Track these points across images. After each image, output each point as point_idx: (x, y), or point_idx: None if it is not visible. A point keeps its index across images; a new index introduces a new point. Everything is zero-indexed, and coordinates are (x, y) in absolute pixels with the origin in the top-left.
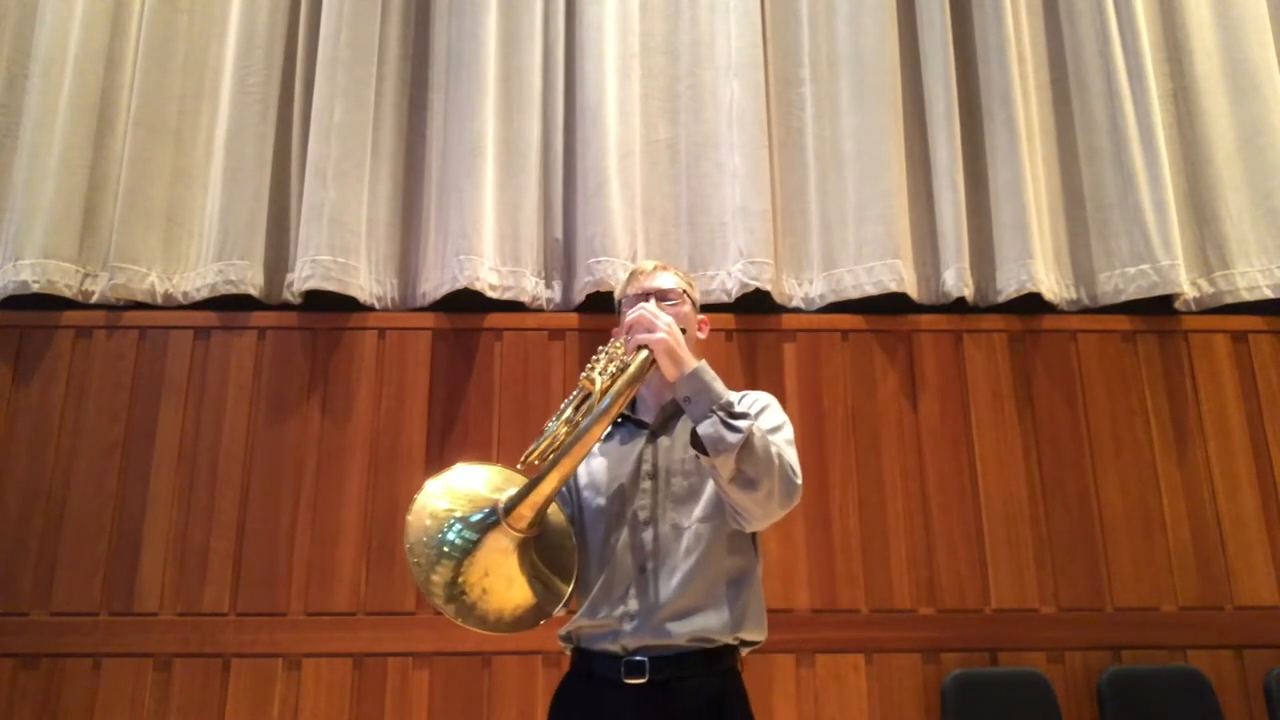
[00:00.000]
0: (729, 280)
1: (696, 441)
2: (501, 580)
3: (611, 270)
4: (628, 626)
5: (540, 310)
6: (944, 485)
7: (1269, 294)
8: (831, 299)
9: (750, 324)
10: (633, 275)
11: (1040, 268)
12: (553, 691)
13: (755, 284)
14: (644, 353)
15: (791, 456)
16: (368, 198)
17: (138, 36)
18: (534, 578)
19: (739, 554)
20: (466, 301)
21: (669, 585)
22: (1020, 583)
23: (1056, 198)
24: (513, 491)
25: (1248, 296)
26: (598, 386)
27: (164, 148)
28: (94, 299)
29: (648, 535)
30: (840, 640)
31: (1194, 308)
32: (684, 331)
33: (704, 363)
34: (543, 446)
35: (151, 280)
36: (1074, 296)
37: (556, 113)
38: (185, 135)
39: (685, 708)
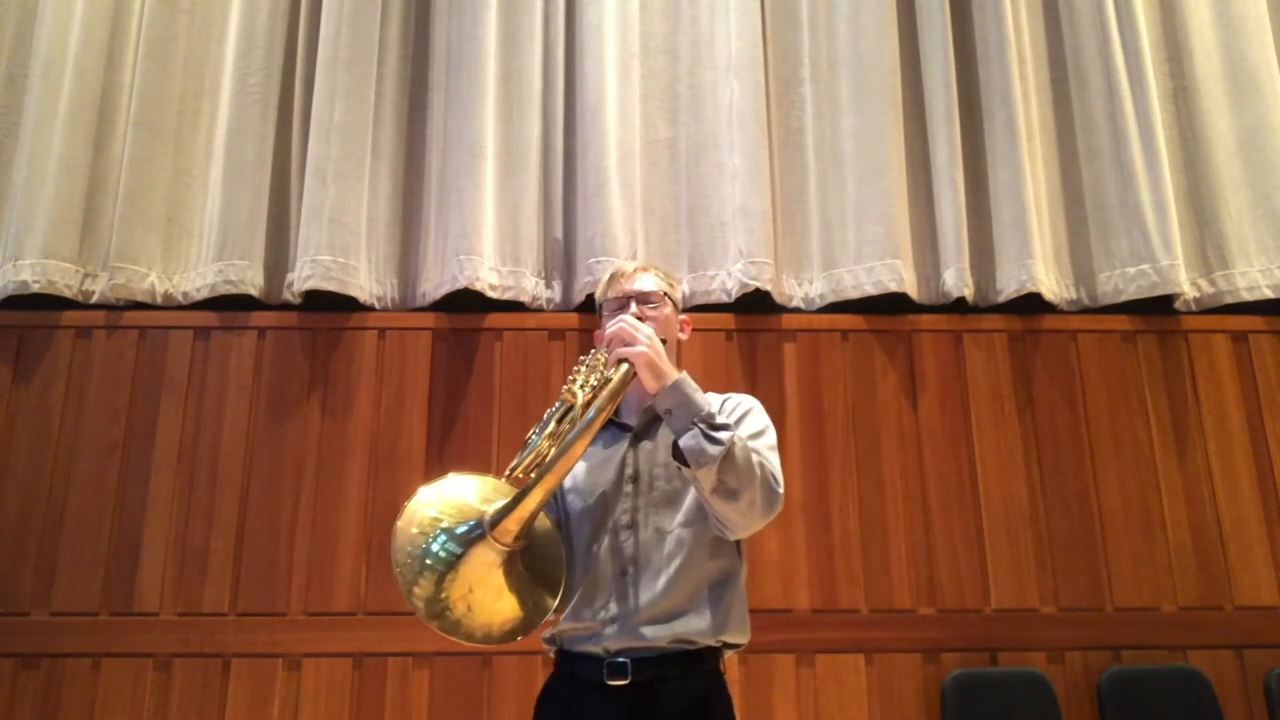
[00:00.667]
0: (729, 280)
1: (678, 453)
2: (490, 594)
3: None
4: (609, 630)
5: (540, 310)
6: (944, 485)
7: (1269, 294)
8: (831, 299)
9: (750, 324)
10: (612, 278)
11: (1040, 268)
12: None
13: (755, 284)
14: (625, 366)
15: (774, 464)
16: (368, 198)
17: (138, 36)
18: (520, 590)
19: (722, 557)
20: (466, 301)
21: (651, 589)
22: (1020, 583)
23: (1056, 198)
24: (499, 504)
25: (1248, 296)
26: (579, 400)
27: (164, 148)
28: (94, 299)
29: (629, 539)
30: (840, 640)
31: (1194, 308)
32: (664, 342)
33: (684, 374)
34: (527, 461)
35: (151, 280)
36: (1074, 296)
37: (556, 113)
38: (185, 135)
39: (667, 709)
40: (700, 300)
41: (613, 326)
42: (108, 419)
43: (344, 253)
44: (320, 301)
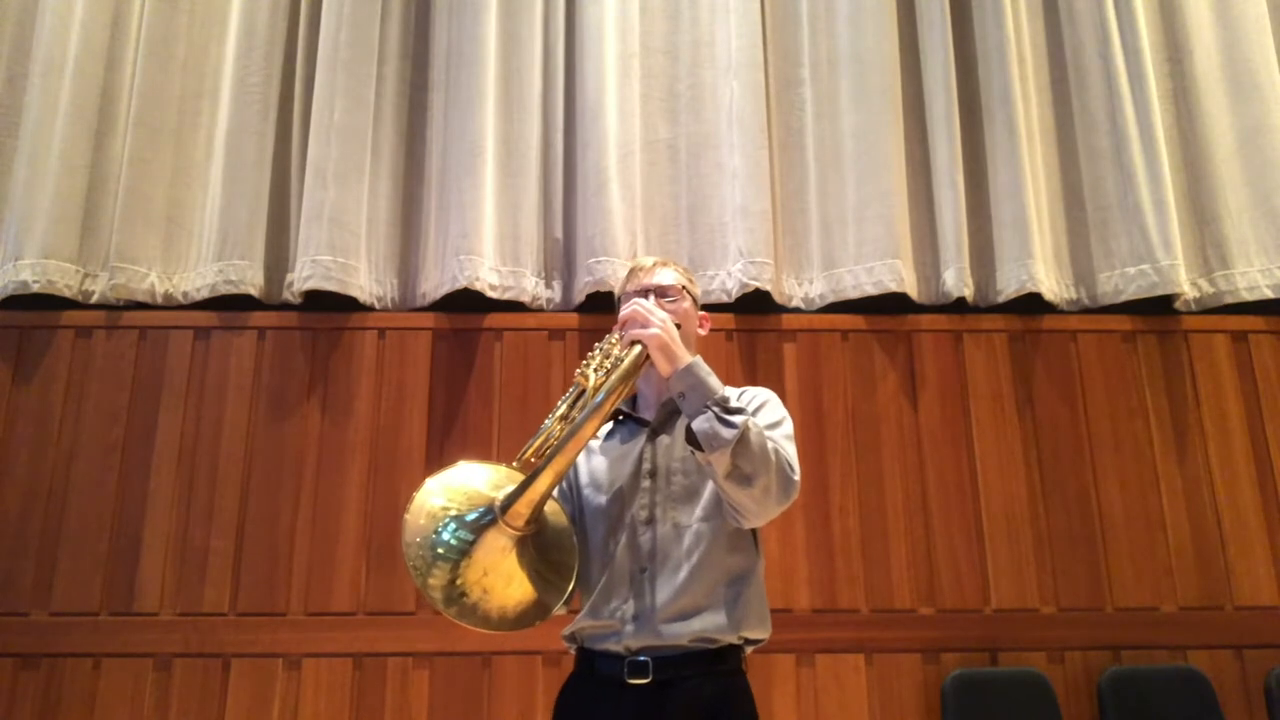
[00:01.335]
0: (729, 280)
1: (692, 437)
2: (501, 578)
3: (611, 270)
4: (629, 627)
5: (540, 310)
6: (944, 485)
7: (1269, 294)
8: (831, 299)
9: (750, 324)
10: (632, 272)
11: (1040, 268)
12: (553, 691)
13: (755, 284)
14: (637, 348)
15: (790, 452)
16: (368, 198)
17: (138, 36)
18: (534, 574)
19: (740, 552)
20: (466, 301)
21: (669, 586)
22: (1020, 583)
23: (1056, 198)
24: (510, 489)
25: (1248, 296)
26: (591, 383)
27: (164, 148)
28: (94, 299)
29: (647, 535)
30: (840, 640)
31: (1194, 308)
32: (680, 328)
33: (698, 358)
34: (538, 444)
35: (151, 280)
36: (1074, 296)
37: (556, 113)
38: (185, 135)
39: (688, 707)
40: (700, 300)
41: (627, 309)
42: (108, 419)
43: (344, 253)
44: (320, 301)
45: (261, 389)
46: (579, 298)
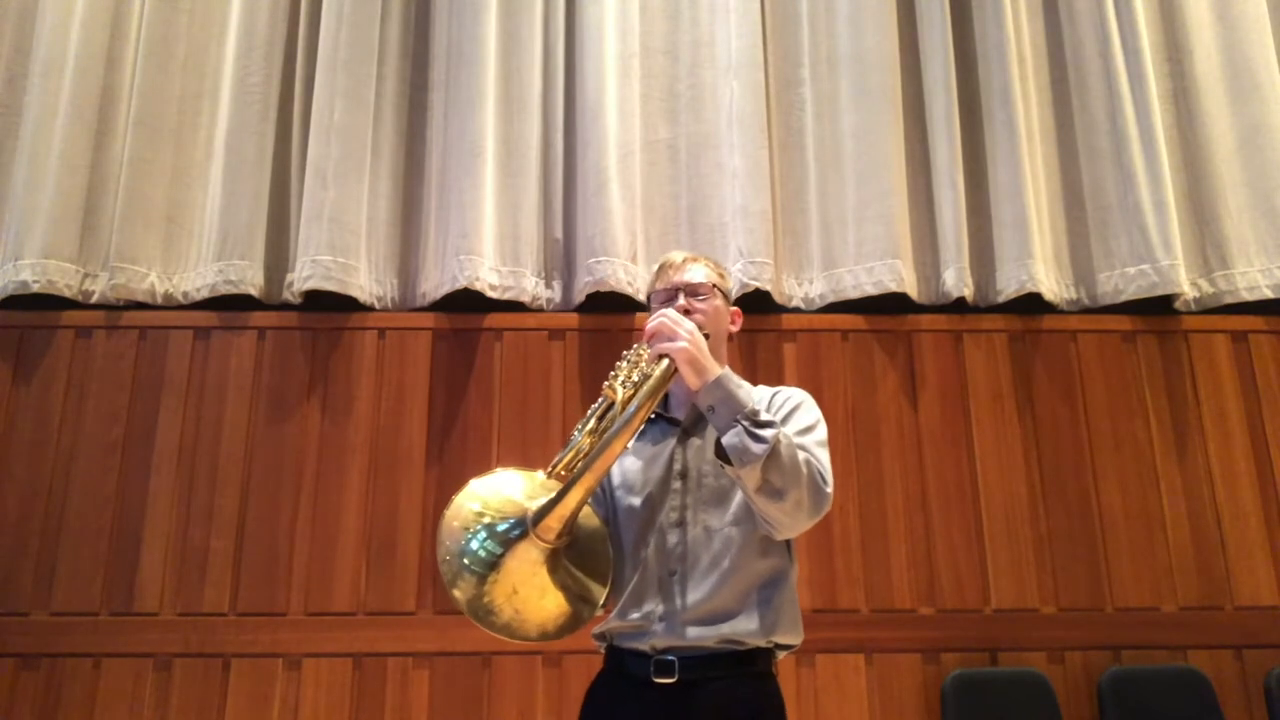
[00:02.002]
0: (729, 280)
1: (721, 452)
2: (534, 592)
3: (611, 270)
4: (657, 627)
5: (540, 310)
6: (944, 485)
7: (1269, 294)
8: (831, 299)
9: (750, 324)
10: (661, 269)
11: (1040, 268)
12: (553, 691)
13: (755, 284)
14: (665, 362)
15: (823, 461)
16: (368, 198)
17: (138, 36)
18: (567, 586)
19: (772, 556)
20: (466, 301)
21: (699, 590)
22: (1020, 583)
23: (1056, 198)
24: (541, 502)
25: (1248, 296)
26: (620, 396)
27: (164, 148)
28: (94, 299)
29: (677, 537)
30: (840, 640)
31: (1194, 308)
32: (707, 336)
33: (727, 370)
34: (568, 457)
35: (151, 280)
36: (1074, 296)
37: (556, 113)
38: (185, 135)
39: (716, 708)
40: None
41: (654, 321)
42: (108, 419)
43: (344, 253)
44: (320, 301)
45: (261, 389)
46: (579, 298)
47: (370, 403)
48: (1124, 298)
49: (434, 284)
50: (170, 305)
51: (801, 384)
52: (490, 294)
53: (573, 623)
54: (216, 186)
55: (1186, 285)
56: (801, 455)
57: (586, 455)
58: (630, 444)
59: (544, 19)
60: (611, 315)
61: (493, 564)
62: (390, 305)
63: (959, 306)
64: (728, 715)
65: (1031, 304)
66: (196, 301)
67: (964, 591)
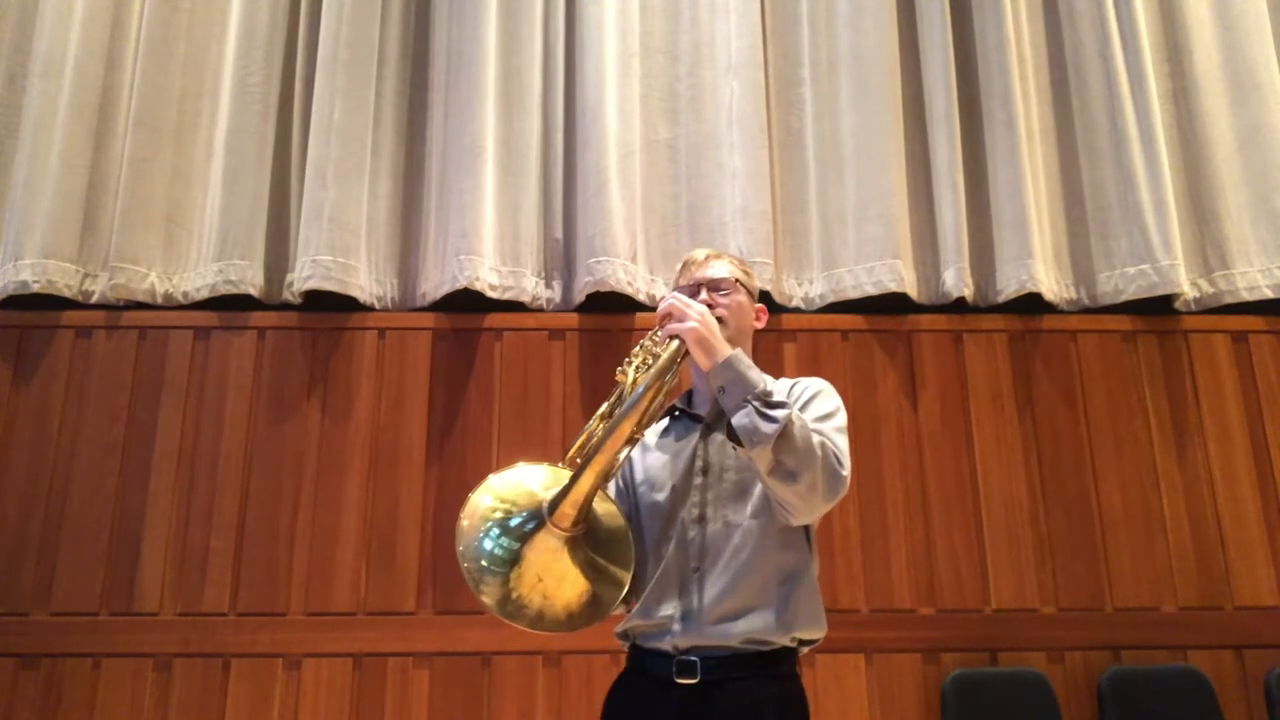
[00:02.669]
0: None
1: (732, 432)
2: (553, 580)
3: (611, 270)
4: (677, 626)
5: (540, 310)
6: (944, 485)
7: (1269, 294)
8: (831, 299)
9: None
10: (685, 265)
11: (1040, 268)
12: (553, 691)
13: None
14: (675, 342)
15: (840, 445)
16: (368, 198)
17: (138, 36)
18: (588, 572)
19: (792, 550)
20: (466, 301)
21: (719, 585)
22: (1020, 582)
23: (1056, 198)
24: (556, 491)
25: (1248, 296)
26: (630, 380)
27: (164, 148)
28: (94, 299)
29: (698, 533)
30: (840, 640)
31: (1194, 308)
32: (725, 323)
33: (739, 351)
34: (580, 443)
35: (151, 280)
36: (1074, 296)
37: (556, 113)
38: (185, 135)
39: (739, 709)
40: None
41: (664, 304)
42: (108, 419)
43: (344, 253)
44: (320, 301)
45: (261, 389)
46: (579, 298)
47: (370, 403)
48: (1124, 298)
49: (434, 284)
50: (170, 305)
51: None
52: (490, 294)
53: (599, 606)
54: (216, 186)
55: (1186, 285)
56: (816, 438)
57: (598, 440)
58: (655, 437)
59: (544, 19)
60: (611, 315)
61: (512, 560)
62: (390, 305)
63: (959, 306)
64: (750, 717)
65: (1031, 304)
66: (196, 301)
67: (964, 591)
